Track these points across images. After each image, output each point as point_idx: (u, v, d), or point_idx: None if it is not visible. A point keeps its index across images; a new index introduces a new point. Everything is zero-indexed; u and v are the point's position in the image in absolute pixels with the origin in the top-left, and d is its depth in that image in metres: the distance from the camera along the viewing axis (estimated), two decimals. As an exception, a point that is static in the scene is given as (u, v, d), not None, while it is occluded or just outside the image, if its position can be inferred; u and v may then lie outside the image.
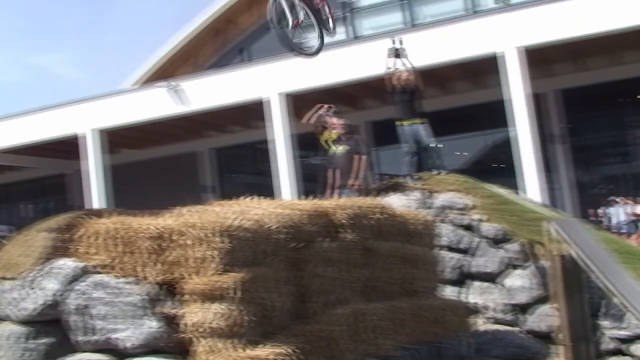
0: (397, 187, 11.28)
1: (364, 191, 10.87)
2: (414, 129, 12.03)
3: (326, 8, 9.57)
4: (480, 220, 10.28)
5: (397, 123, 12.22)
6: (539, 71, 17.98)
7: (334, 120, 11.75)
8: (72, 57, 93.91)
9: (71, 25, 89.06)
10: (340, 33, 25.27)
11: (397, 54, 12.45)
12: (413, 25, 23.53)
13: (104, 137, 21.07)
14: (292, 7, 8.94)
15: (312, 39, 9.67)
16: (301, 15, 8.99)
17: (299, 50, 9.41)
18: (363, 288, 6.90)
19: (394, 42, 12.61)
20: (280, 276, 5.91)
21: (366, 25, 25.39)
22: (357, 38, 24.18)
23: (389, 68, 12.45)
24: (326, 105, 12.02)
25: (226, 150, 25.64)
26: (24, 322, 5.98)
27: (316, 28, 9.40)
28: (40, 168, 27.06)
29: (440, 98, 19.61)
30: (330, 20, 9.71)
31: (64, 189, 27.92)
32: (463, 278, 9.99)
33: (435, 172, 11.96)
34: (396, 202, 10.27)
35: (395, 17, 24.70)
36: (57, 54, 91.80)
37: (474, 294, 9.82)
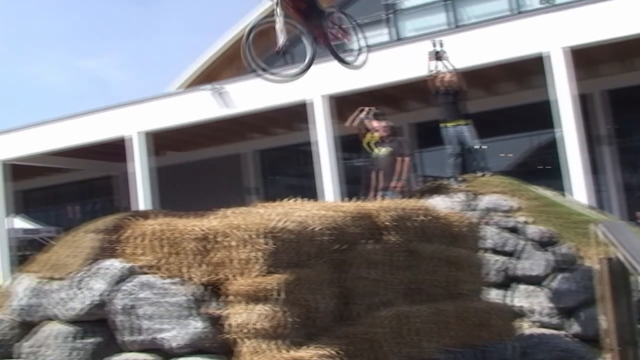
0: (441, 189, 11.22)
1: (407, 193, 10.83)
2: (458, 130, 11.96)
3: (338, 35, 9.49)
4: (526, 223, 10.18)
5: (441, 125, 12.16)
6: (585, 72, 17.71)
7: (374, 123, 11.74)
8: (120, 60, 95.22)
9: (119, 29, 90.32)
10: (384, 35, 25.29)
11: (437, 56, 12.39)
12: (457, 26, 23.37)
13: (149, 140, 21.31)
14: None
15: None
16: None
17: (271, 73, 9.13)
18: (407, 290, 6.87)
19: (434, 45, 12.57)
20: (323, 278, 5.91)
21: (409, 26, 25.29)
22: (400, 39, 24.10)
23: (431, 71, 12.41)
24: (367, 108, 12.01)
25: (269, 153, 25.75)
26: (71, 321, 6.08)
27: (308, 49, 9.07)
28: (88, 170, 27.47)
29: (484, 99, 19.44)
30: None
31: (110, 191, 28.33)
32: (508, 281, 9.89)
33: (479, 173, 11.88)
34: (440, 204, 10.21)
35: (438, 18, 24.55)
36: (105, 57, 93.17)
37: (520, 297, 9.72)
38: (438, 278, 7.28)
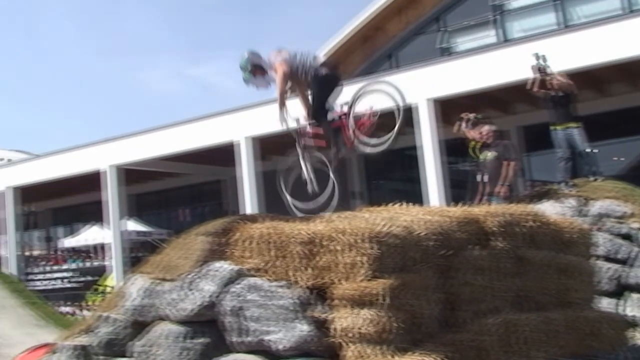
0: (550, 194, 10.96)
1: (510, 198, 10.63)
2: (568, 133, 11.65)
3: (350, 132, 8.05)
4: (640, 229, 9.83)
5: (551, 127, 11.87)
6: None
7: (472, 133, 11.62)
8: (227, 68, 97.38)
9: (226, 37, 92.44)
10: (491, 36, 24.90)
11: (541, 70, 12.02)
12: (566, 26, 22.79)
13: (256, 145, 21.69)
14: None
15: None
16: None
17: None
18: (515, 298, 6.72)
19: (537, 59, 12.17)
20: (429, 283, 5.86)
21: (517, 27, 24.82)
22: (507, 41, 23.69)
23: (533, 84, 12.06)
24: (467, 117, 11.86)
25: (374, 157, 25.73)
26: (181, 322, 6.23)
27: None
28: (198, 174, 28.18)
29: (596, 101, 18.86)
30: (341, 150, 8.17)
31: (219, 195, 28.97)
32: (621, 290, 9.56)
33: (591, 178, 11.54)
34: (550, 209, 9.97)
35: (547, 19, 24.01)
36: (213, 65, 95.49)
37: (632, 307, 9.37)
38: (547, 286, 7.09)
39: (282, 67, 7.80)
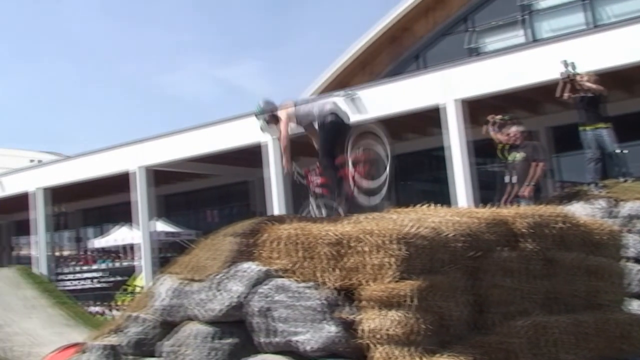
0: (580, 196, 10.86)
1: (536, 198, 10.56)
2: (597, 134, 11.55)
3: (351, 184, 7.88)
4: (672, 231, 9.71)
5: (580, 128, 11.77)
6: None
7: (499, 136, 11.55)
8: (255, 69, 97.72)
9: (255, 39, 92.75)
10: (520, 36, 24.73)
11: (569, 77, 11.85)
12: (595, 26, 22.58)
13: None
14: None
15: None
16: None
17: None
18: (544, 300, 6.67)
19: (566, 66, 11.99)
20: (457, 285, 5.84)
21: (545, 27, 24.64)
22: (535, 41, 23.52)
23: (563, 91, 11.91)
24: (493, 119, 11.78)
25: (401, 158, 25.67)
26: (210, 322, 6.26)
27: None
28: (225, 175, 28.28)
29: (625, 101, 18.65)
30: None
31: (246, 196, 29.04)
32: (652, 292, 9.45)
33: (621, 179, 11.41)
34: (579, 210, 9.88)
35: (577, 18, 23.81)
36: (240, 67, 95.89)
37: (664, 309, 9.25)
38: (577, 288, 7.02)
39: (284, 122, 8.16)
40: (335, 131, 8.07)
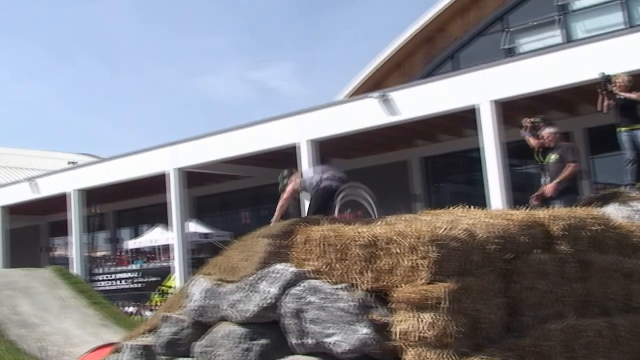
0: (617, 198, 10.69)
1: (561, 200, 10.44)
2: (634, 135, 11.37)
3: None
4: None
5: (617, 129, 11.61)
6: None
7: (532, 140, 11.43)
8: (288, 71, 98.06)
9: (288, 41, 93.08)
10: (556, 37, 24.50)
11: (608, 90, 11.63)
12: (631, 26, 22.28)
13: (316, 148, 21.73)
14: None
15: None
16: None
17: None
18: (578, 303, 6.59)
19: (603, 80, 11.71)
20: (490, 288, 5.79)
21: (581, 27, 24.38)
22: (570, 41, 23.29)
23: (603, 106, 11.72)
24: (526, 123, 11.65)
25: (435, 160, 25.56)
26: (243, 323, 6.29)
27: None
28: (259, 177, 28.37)
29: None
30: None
31: (280, 197, 29.04)
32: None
33: (659, 181, 11.23)
34: (616, 213, 9.72)
35: (613, 19, 23.52)
36: (274, 69, 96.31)
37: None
38: (612, 291, 6.93)
39: (289, 190, 9.66)
40: (328, 195, 9.11)
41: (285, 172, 9.94)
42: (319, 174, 9.45)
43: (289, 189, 9.61)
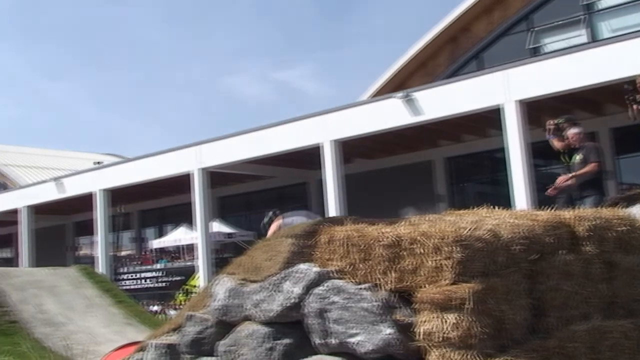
0: (643, 198, 10.60)
1: (569, 192, 10.42)
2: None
3: None
4: None
5: (643, 129, 11.51)
6: None
7: (556, 143, 11.35)
8: (312, 71, 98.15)
9: (313, 42, 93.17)
10: (582, 36, 24.33)
11: (634, 98, 11.48)
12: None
13: (339, 148, 21.74)
14: None
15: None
16: None
17: None
18: (604, 304, 6.55)
19: (628, 89, 11.54)
20: (515, 288, 5.76)
21: (606, 27, 24.19)
22: (595, 41, 23.11)
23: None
24: (549, 125, 11.55)
25: (458, 159, 25.49)
26: (266, 322, 6.30)
27: None
28: (282, 177, 28.46)
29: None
30: None
31: (303, 197, 29.15)
32: None
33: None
34: (642, 213, 9.65)
35: (638, 17, 23.32)
36: (298, 69, 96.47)
37: None
38: (638, 292, 6.88)
39: (273, 228, 10.41)
40: None
41: (271, 213, 11.02)
42: (296, 220, 10.00)
43: (271, 229, 10.35)
